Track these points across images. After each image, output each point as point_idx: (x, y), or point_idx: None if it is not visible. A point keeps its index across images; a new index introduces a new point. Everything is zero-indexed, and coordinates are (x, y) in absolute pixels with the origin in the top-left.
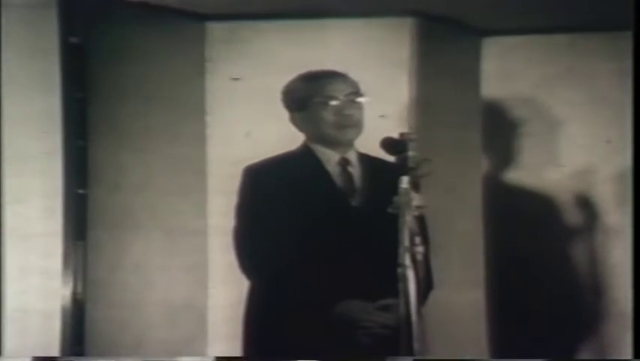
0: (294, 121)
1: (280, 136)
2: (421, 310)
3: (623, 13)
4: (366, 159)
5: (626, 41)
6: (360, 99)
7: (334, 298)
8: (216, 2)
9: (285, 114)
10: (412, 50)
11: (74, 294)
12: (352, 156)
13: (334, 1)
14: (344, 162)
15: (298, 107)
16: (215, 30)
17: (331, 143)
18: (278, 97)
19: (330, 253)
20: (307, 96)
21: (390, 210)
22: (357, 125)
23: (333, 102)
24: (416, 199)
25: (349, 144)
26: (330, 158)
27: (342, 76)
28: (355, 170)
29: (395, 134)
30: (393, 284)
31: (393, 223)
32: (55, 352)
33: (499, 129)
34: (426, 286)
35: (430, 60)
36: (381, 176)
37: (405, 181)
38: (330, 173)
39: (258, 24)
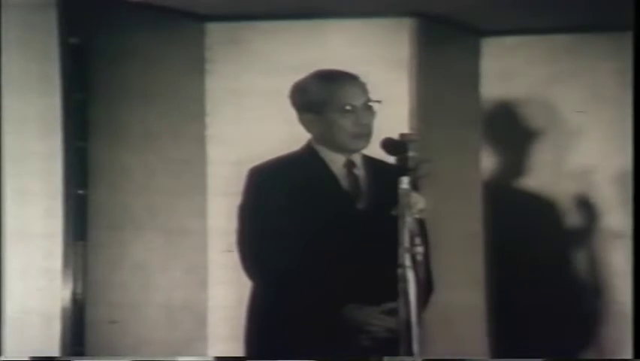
0: (304, 122)
1: (280, 136)
2: (421, 312)
3: (623, 13)
4: (370, 162)
5: (626, 42)
6: (373, 105)
7: (339, 301)
8: (216, 3)
9: (285, 115)
10: (412, 50)
11: (74, 294)
12: (357, 159)
13: (334, 1)
14: (350, 165)
15: (311, 110)
16: (215, 31)
17: (339, 148)
18: (278, 97)
19: (335, 255)
20: (323, 100)
21: (393, 212)
22: (370, 134)
23: (350, 109)
24: (420, 201)
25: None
26: (335, 160)
27: (355, 78)
28: (361, 172)
29: (395, 135)
30: (397, 287)
31: (397, 226)
32: (55, 352)
33: (500, 129)
34: (426, 288)
35: (430, 60)
36: (385, 178)
37: (405, 182)
38: (335, 175)
39: (258, 25)
